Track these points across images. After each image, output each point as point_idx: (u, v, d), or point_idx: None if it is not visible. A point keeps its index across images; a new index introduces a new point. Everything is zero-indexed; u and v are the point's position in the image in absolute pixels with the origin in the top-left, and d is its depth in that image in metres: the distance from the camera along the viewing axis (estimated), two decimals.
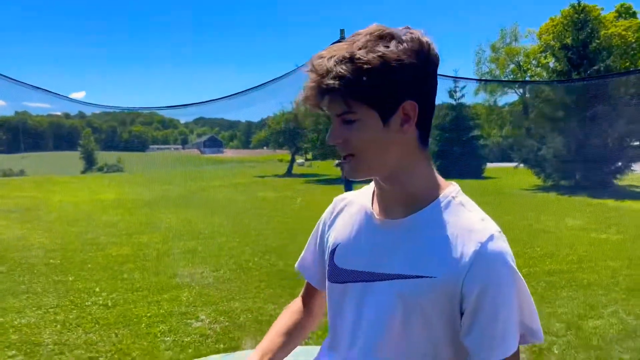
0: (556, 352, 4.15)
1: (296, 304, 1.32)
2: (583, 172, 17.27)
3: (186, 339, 4.52)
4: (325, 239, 1.18)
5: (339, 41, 1.01)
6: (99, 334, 4.64)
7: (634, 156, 18.41)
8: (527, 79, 51.37)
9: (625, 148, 18.02)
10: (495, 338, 0.93)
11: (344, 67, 0.91)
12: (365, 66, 0.90)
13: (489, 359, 0.94)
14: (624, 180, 17.96)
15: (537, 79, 49.63)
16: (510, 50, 52.26)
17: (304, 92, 0.96)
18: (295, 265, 1.31)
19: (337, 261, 1.10)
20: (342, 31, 2.88)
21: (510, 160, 24.52)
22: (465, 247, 0.94)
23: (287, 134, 29.96)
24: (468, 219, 0.99)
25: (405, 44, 0.93)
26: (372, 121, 0.95)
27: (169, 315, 5.17)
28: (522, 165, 22.12)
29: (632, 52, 44.16)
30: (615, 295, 5.68)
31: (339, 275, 1.09)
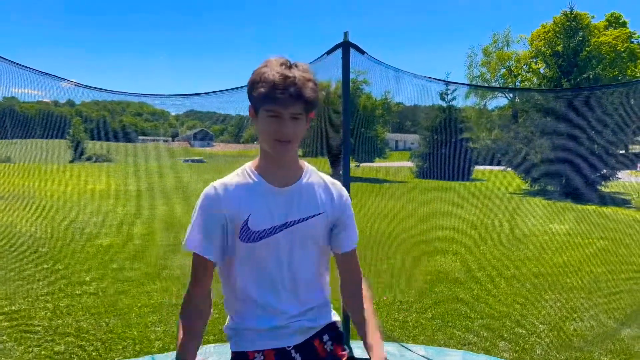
0: (538, 352, 4.28)
1: (201, 295, 1.59)
2: (569, 177, 17.53)
3: (176, 329, 4.57)
4: (229, 216, 1.54)
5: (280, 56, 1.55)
6: (89, 322, 4.68)
7: (619, 164, 18.72)
8: (518, 83, 51.79)
9: (611, 155, 18.32)
10: (355, 233, 1.73)
11: (314, 88, 1.48)
12: (317, 91, 1.50)
13: (355, 241, 1.72)
14: (609, 187, 18.26)
15: (528, 84, 50.07)
16: (501, 55, 52.69)
17: (280, 93, 1.42)
18: (193, 248, 1.57)
19: (252, 225, 1.54)
20: (345, 34, 2.96)
21: (498, 164, 24.76)
22: (334, 192, 1.67)
23: None
24: (326, 178, 1.69)
25: None
26: (304, 121, 1.52)
27: (159, 305, 5.21)
28: (509, 168, 22.36)
29: (620, 62, 44.72)
30: (597, 299, 5.83)
31: (255, 235, 1.54)
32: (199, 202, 1.58)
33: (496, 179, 24.07)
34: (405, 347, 3.44)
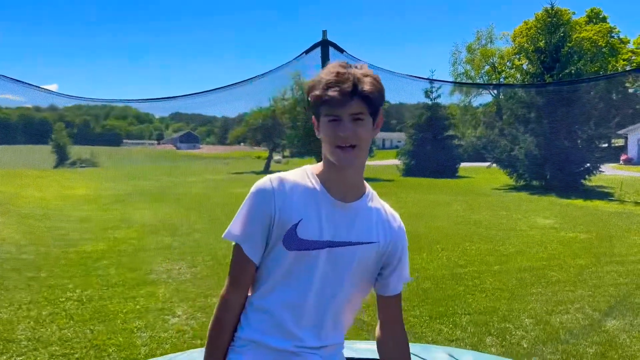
0: (525, 346, 4.30)
1: (241, 303, 1.47)
2: (553, 172, 17.70)
3: (163, 335, 4.53)
4: (279, 215, 1.39)
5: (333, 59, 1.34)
6: (73, 330, 4.61)
7: (602, 157, 18.94)
8: (502, 80, 52.20)
9: (594, 149, 18.53)
10: (406, 276, 1.54)
11: (374, 82, 1.34)
12: (380, 87, 1.36)
13: (402, 285, 1.54)
14: (592, 181, 18.47)
15: (511, 80, 50.48)
16: (485, 52, 53.02)
17: (335, 91, 1.29)
18: (235, 239, 1.42)
19: (300, 233, 1.38)
20: (324, 32, 2.95)
21: (484, 160, 24.94)
22: (393, 224, 1.49)
23: (264, 131, 29.84)
24: (386, 206, 1.52)
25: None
26: (369, 123, 1.36)
27: (145, 311, 5.16)
28: (495, 165, 22.52)
29: (602, 57, 45.29)
30: (582, 291, 5.89)
31: (301, 244, 1.38)
32: (250, 192, 1.41)
33: (482, 175, 24.26)
34: None
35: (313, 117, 1.40)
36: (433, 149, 25.76)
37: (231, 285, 1.43)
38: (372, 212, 1.45)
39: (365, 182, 1.47)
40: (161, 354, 4.08)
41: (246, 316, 1.44)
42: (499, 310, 5.21)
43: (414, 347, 3.79)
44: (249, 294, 1.46)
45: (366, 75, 1.33)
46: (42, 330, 4.61)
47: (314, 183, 1.42)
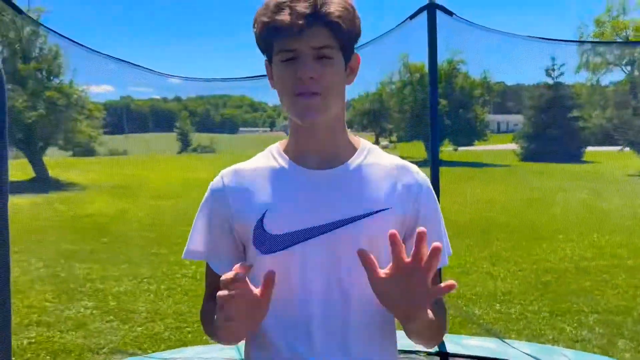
0: None
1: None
2: None
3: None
4: (238, 215, 1.06)
5: None
6: (187, 305, 4.84)
7: None
8: (637, 56, 46.87)
9: None
10: (444, 247, 1.06)
11: (343, 4, 0.98)
12: (353, 10, 1.00)
13: (442, 265, 1.02)
14: None
15: None
16: (617, 25, 47.86)
17: (286, 14, 0.94)
18: (191, 257, 1.13)
19: (271, 229, 1.02)
20: None
21: (614, 144, 22.60)
22: (408, 178, 1.08)
23: (371, 115, 29.62)
24: (395, 159, 1.11)
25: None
26: (340, 64, 1.01)
27: None
28: (627, 148, 20.34)
29: None
30: None
31: (277, 243, 1.02)
32: (203, 197, 1.14)
33: (612, 160, 21.98)
34: (507, 343, 3.12)
35: (265, 62, 1.06)
36: (555, 132, 23.87)
37: (209, 300, 1.10)
38: (374, 170, 1.06)
39: (356, 137, 1.13)
40: None
41: (249, 356, 1.10)
42: (634, 311, 4.61)
43: (534, 348, 3.45)
44: None
45: (341, 0, 0.98)
46: (159, 303, 4.90)
47: (279, 161, 1.08)
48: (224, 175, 1.11)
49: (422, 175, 1.10)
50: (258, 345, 1.07)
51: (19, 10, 3.46)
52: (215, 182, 1.12)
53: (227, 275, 0.86)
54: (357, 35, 1.03)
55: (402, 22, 2.74)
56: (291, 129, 1.09)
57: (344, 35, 0.98)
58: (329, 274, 1.01)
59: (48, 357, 3.71)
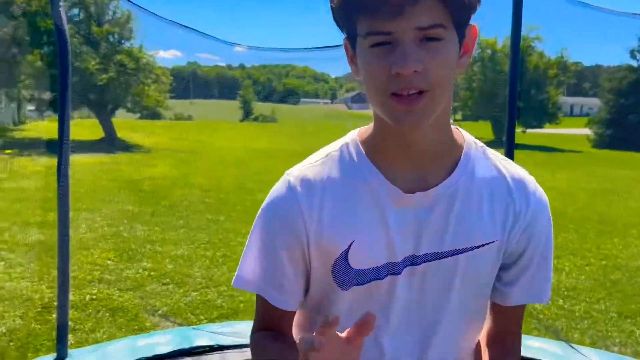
0: None
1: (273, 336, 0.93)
2: None
3: None
4: (316, 239, 0.84)
5: None
6: None
7: None
8: None
9: None
10: (543, 285, 0.91)
11: None
12: None
13: (544, 295, 0.92)
14: None
15: None
16: None
17: None
18: (248, 288, 0.91)
19: (354, 263, 0.83)
20: None
21: None
22: (519, 201, 0.85)
23: None
24: (506, 167, 0.88)
25: None
26: (453, 46, 0.75)
27: None
28: None
29: None
30: None
31: (359, 277, 0.84)
32: (261, 210, 0.90)
33: None
34: (575, 349, 2.88)
35: (345, 41, 0.82)
36: (636, 118, 22.31)
37: (261, 329, 0.94)
38: (482, 189, 0.84)
39: (456, 130, 0.87)
40: None
41: None
42: None
43: (604, 357, 3.19)
44: None
45: None
46: (214, 270, 4.99)
47: (364, 173, 0.83)
48: (293, 183, 0.86)
49: (538, 195, 0.87)
50: None
51: None
52: (279, 191, 0.87)
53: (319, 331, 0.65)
54: (476, 4, 0.76)
55: None
56: (377, 121, 0.84)
57: (462, 7, 0.73)
58: (411, 311, 0.87)
59: (107, 314, 3.85)
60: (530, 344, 2.02)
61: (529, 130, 26.71)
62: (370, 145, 0.85)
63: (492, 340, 0.96)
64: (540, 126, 27.45)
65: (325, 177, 0.85)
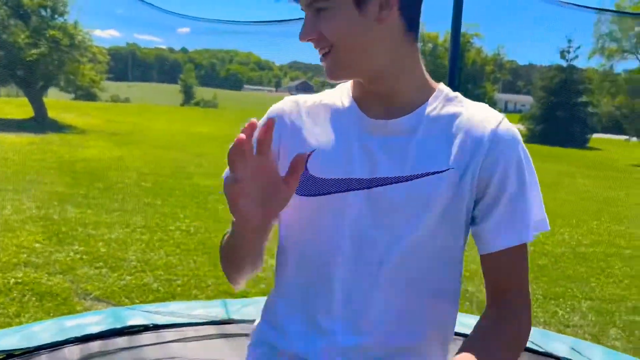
0: None
1: None
2: None
3: (260, 274, 4.54)
4: (285, 145, 0.96)
5: None
6: (178, 258, 4.78)
7: None
8: None
9: None
10: (525, 217, 0.89)
11: None
12: None
13: (512, 236, 0.88)
14: None
15: None
16: (637, 9, 46.72)
17: None
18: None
19: (313, 170, 0.91)
20: None
21: (622, 132, 22.42)
22: (480, 132, 0.88)
23: None
24: (474, 108, 0.93)
25: None
26: (343, 9, 0.84)
27: None
28: (635, 138, 20.17)
29: None
30: None
31: (317, 186, 0.91)
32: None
33: (618, 149, 21.84)
34: None
35: None
36: (563, 115, 23.62)
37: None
38: (442, 124, 0.89)
39: (438, 84, 0.96)
40: (255, 293, 4.09)
41: (268, 303, 1.03)
42: (628, 300, 4.57)
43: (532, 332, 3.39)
44: (274, 274, 1.03)
45: None
46: (151, 254, 4.84)
47: (344, 101, 0.95)
48: (286, 101, 1.00)
49: (505, 125, 0.89)
50: (276, 291, 1.02)
51: None
52: (276, 106, 1.01)
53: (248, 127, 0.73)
54: None
55: None
56: None
57: None
58: (363, 233, 0.89)
59: (34, 299, 3.65)
60: (465, 321, 2.10)
61: None
62: (356, 88, 0.96)
63: (487, 305, 0.92)
64: None
65: (314, 100, 0.99)
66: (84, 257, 4.56)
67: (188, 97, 44.93)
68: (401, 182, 0.87)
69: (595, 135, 25.75)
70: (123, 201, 6.73)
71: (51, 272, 4.14)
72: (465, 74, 25.75)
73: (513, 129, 0.90)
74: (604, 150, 22.09)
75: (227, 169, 0.86)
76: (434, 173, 0.87)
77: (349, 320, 0.90)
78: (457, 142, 0.88)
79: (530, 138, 24.94)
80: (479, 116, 0.90)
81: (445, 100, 0.92)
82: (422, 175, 0.87)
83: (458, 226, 0.90)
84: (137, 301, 3.76)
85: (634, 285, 4.99)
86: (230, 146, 0.73)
